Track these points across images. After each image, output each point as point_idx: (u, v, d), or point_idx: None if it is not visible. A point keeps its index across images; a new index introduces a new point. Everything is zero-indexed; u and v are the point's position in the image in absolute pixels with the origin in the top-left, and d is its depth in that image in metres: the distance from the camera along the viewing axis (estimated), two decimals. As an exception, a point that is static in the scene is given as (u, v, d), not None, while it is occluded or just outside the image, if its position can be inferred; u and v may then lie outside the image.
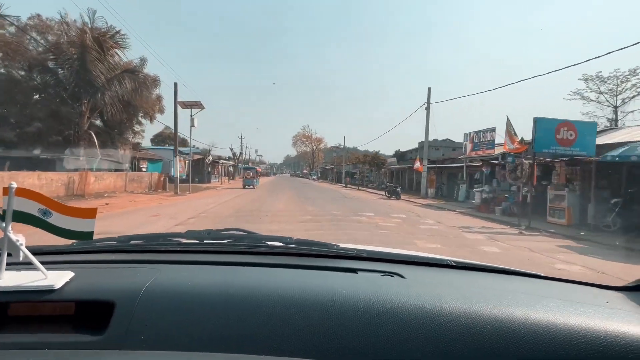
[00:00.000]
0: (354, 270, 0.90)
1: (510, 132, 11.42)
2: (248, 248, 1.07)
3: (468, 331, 0.60)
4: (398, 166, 34.16)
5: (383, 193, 24.99)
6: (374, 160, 35.53)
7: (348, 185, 38.63)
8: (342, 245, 1.10)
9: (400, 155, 41.19)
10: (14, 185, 0.67)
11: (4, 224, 0.67)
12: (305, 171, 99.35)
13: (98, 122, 19.51)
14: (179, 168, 19.56)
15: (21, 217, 0.69)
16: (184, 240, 1.10)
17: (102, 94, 15.54)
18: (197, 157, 34.10)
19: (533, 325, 0.61)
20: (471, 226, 10.37)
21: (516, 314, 0.64)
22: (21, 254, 0.68)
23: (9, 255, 0.68)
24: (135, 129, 21.11)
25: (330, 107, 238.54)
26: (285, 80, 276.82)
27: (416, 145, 58.09)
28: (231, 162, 47.69)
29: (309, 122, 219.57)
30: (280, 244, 1.08)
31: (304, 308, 0.65)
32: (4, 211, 0.67)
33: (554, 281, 0.98)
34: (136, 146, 22.29)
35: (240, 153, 50.42)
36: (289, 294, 0.69)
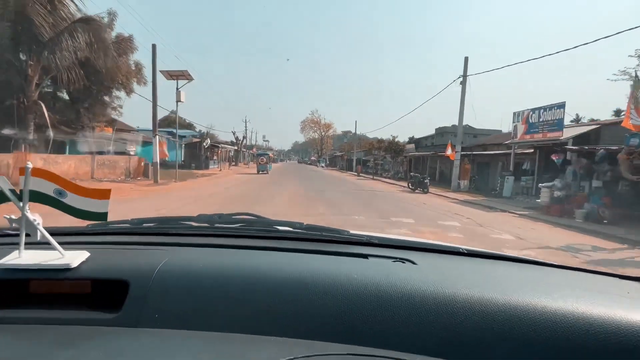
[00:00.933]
0: (364, 256, 0.89)
1: (637, 98, 7.54)
2: (258, 232, 1.08)
3: (482, 318, 0.59)
4: (421, 153, 29.96)
5: (403, 184, 21.36)
6: (391, 146, 31.32)
7: (360, 174, 34.87)
8: (352, 231, 1.09)
9: (415, 143, 37.26)
10: (30, 165, 0.68)
11: (21, 204, 0.68)
12: (313, 158, 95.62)
13: (65, 96, 16.01)
14: (160, 151, 15.95)
15: (37, 197, 0.70)
16: (195, 224, 1.10)
17: (51, 52, 11.87)
18: (195, 140, 30.71)
19: (549, 314, 0.60)
20: (572, 245, 6.68)
21: (532, 301, 0.62)
22: (39, 233, 0.70)
23: (27, 235, 0.70)
24: (111, 103, 17.46)
25: (340, 92, 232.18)
26: (295, 64, 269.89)
27: (432, 132, 53.92)
28: (233, 147, 44.41)
29: (318, 106, 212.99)
30: (291, 229, 1.08)
31: (314, 291, 0.65)
32: (21, 191, 0.68)
33: (572, 270, 0.95)
34: (111, 123, 18.67)
35: (244, 137, 46.92)
36: (299, 277, 0.69)
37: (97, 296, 0.68)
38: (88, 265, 0.71)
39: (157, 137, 15.88)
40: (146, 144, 25.60)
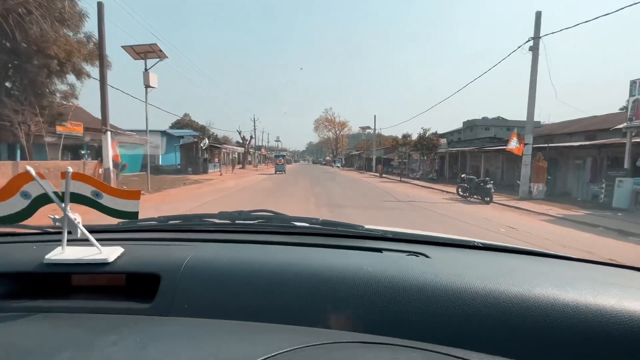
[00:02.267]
0: (379, 250, 0.91)
1: None
2: (277, 228, 1.11)
3: (494, 310, 0.61)
4: (461, 149, 24.35)
5: (442, 188, 16.29)
6: (422, 141, 25.73)
7: (383, 175, 29.78)
8: (367, 226, 1.10)
9: (440, 138, 31.96)
10: (70, 170, 0.73)
11: (63, 205, 0.73)
12: (328, 158, 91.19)
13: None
14: (112, 153, 11.53)
15: (77, 199, 0.75)
16: (217, 221, 1.15)
17: None
18: (194, 140, 26.53)
19: (562, 306, 0.60)
20: None
21: (544, 293, 0.63)
22: (79, 231, 0.75)
23: (68, 232, 0.75)
24: (55, 87, 13.21)
25: (355, 89, 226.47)
26: (310, 62, 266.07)
27: (459, 126, 48.02)
28: (240, 148, 40.57)
29: (332, 104, 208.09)
30: (307, 224, 1.11)
31: (331, 283, 0.68)
32: (63, 193, 0.73)
33: (585, 263, 0.96)
34: (57, 118, 14.41)
35: (251, 137, 41.64)
36: (316, 270, 0.72)
37: (132, 288, 0.75)
38: (123, 259, 0.76)
39: (109, 133, 11.42)
40: (129, 146, 21.86)
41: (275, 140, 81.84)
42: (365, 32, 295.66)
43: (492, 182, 12.34)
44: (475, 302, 0.62)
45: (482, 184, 12.31)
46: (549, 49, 20.30)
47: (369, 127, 39.32)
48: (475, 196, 12.56)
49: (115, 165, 12.27)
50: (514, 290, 0.64)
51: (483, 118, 45.78)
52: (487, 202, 11.89)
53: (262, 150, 45.24)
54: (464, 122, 45.97)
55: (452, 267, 0.78)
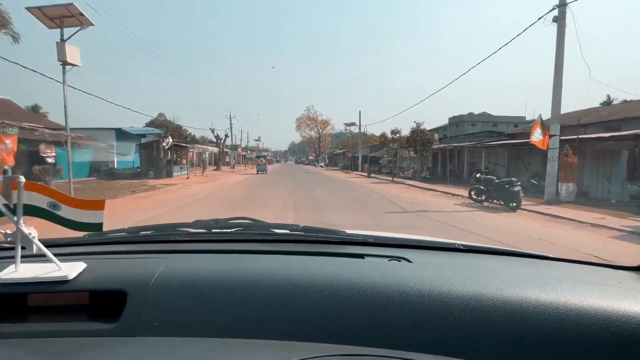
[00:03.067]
0: (361, 256, 0.89)
1: None
2: (255, 236, 1.07)
3: (477, 313, 0.60)
4: (463, 144, 21.91)
5: (442, 189, 13.84)
6: (416, 136, 23.07)
7: (372, 175, 27.09)
8: (349, 231, 1.09)
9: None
10: (23, 179, 0.68)
11: (15, 218, 0.68)
12: (310, 157, 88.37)
13: None
14: None
15: (31, 211, 0.70)
16: (192, 230, 1.10)
17: None
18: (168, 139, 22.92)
19: (542, 306, 0.60)
20: None
21: (525, 295, 0.63)
22: (34, 246, 0.70)
23: (23, 248, 0.70)
24: None
25: (337, 87, 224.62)
26: (288, 58, 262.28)
27: (444, 122, 46.26)
28: (213, 147, 36.89)
29: (315, 103, 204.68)
30: (288, 231, 1.07)
31: (311, 294, 0.65)
32: (15, 205, 0.68)
33: (564, 262, 0.95)
34: None
35: (227, 135, 37.28)
36: (296, 280, 0.69)
37: (96, 306, 0.69)
38: (85, 276, 0.71)
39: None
40: (86, 148, 18.14)
41: (255, 140, 78.18)
42: (346, 27, 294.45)
43: (519, 183, 9.79)
44: (458, 307, 0.61)
45: (506, 185, 9.75)
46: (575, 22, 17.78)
47: (353, 124, 36.63)
48: (495, 201, 10.02)
49: (109, 169, 8.96)
50: (496, 293, 0.64)
51: (469, 114, 44.23)
52: (513, 209, 9.36)
53: (239, 149, 41.39)
54: (449, 119, 44.23)
55: (434, 272, 0.75)
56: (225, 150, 37.86)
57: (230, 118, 43.76)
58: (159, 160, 21.26)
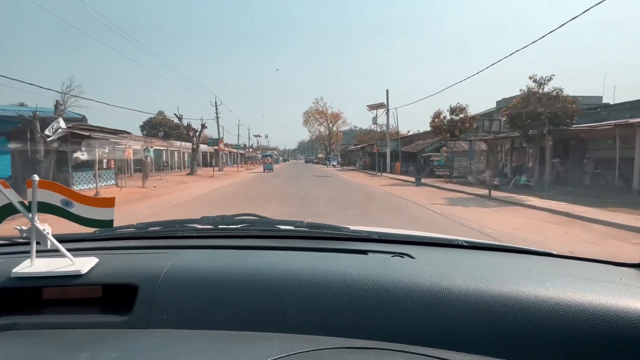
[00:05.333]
0: (364, 252, 0.90)
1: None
2: (261, 232, 1.08)
3: (477, 309, 0.61)
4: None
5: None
6: (537, 107, 11.17)
7: (421, 181, 16.75)
8: (352, 227, 1.08)
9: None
10: (37, 178, 0.70)
11: (30, 215, 0.70)
12: (320, 155, 79.02)
13: None
14: None
15: (45, 208, 0.72)
16: (199, 226, 1.11)
17: None
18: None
19: (542, 302, 0.61)
20: None
21: (525, 291, 0.64)
22: (49, 242, 0.72)
23: (37, 243, 0.73)
24: None
25: (349, 77, 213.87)
26: (295, 50, 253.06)
27: (491, 106, 36.14)
28: (177, 144, 28.32)
29: (323, 94, 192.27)
30: (292, 227, 1.08)
31: (315, 289, 0.67)
32: (30, 203, 0.70)
33: (566, 259, 0.96)
34: None
35: (204, 126, 25.73)
36: (301, 275, 0.70)
37: (108, 300, 0.70)
38: (98, 270, 0.73)
39: None
40: None
41: (255, 136, 68.91)
42: (359, 12, 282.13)
43: None
44: (459, 302, 0.62)
45: None
46: None
47: (381, 105, 26.53)
48: None
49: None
50: (497, 289, 0.64)
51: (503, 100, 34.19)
52: None
53: (220, 146, 31.07)
54: (497, 102, 34.28)
55: (436, 268, 0.76)
56: (221, 148, 28.31)
57: (215, 105, 33.93)
58: (35, 163, 10.68)
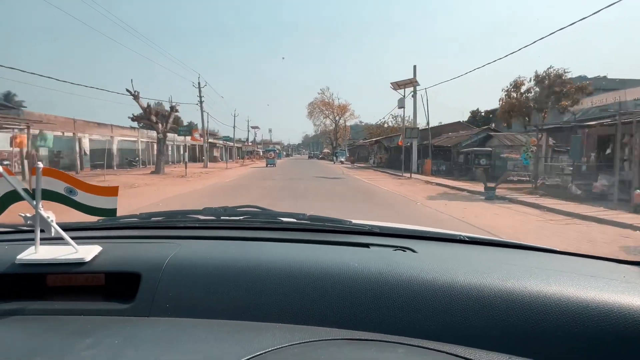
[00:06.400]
0: (366, 245, 0.90)
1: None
2: (263, 224, 1.08)
3: (479, 303, 0.61)
4: None
5: None
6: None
7: (496, 192, 9.74)
8: (355, 221, 1.07)
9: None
10: (41, 165, 0.70)
11: (34, 202, 0.70)
12: (326, 150, 73.02)
13: None
14: None
15: (49, 196, 0.73)
16: (201, 217, 1.11)
17: None
18: None
19: (545, 298, 0.61)
20: None
21: (527, 286, 0.64)
22: (52, 229, 0.72)
23: (41, 231, 0.73)
24: None
25: (353, 71, 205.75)
26: (301, 44, 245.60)
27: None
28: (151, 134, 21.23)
29: (329, 84, 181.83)
30: (294, 220, 1.08)
31: (317, 280, 0.67)
32: (34, 190, 0.70)
33: (569, 256, 0.95)
34: None
35: (174, 108, 19.51)
36: (302, 267, 0.71)
37: (111, 288, 0.71)
38: (101, 258, 0.74)
39: None
40: None
41: (253, 127, 62.48)
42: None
43: None
44: (461, 296, 0.62)
45: None
46: None
47: (410, 83, 19.71)
48: None
49: None
50: (498, 284, 0.64)
51: (579, 77, 27.98)
52: None
53: (195, 136, 25.30)
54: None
55: (438, 262, 0.76)
56: (166, 134, 19.30)
57: (199, 87, 27.28)
58: None
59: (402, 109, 21.09)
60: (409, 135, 18.72)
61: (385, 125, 43.75)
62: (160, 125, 18.41)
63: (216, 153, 41.17)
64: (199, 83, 27.68)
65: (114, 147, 21.74)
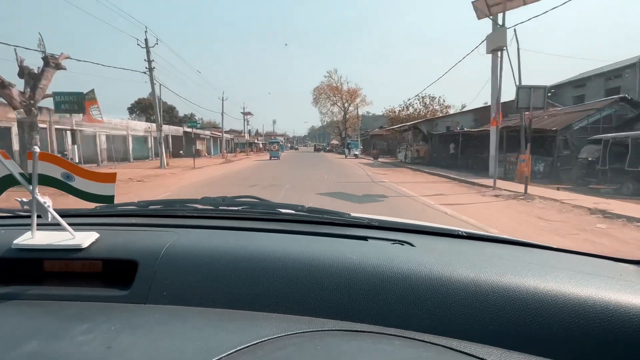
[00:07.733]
0: (364, 238, 0.90)
1: None
2: (261, 215, 1.08)
3: (475, 298, 0.61)
4: None
5: None
6: None
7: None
8: (353, 214, 1.09)
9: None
10: (37, 149, 0.70)
11: (31, 187, 0.70)
12: (333, 142, 65.09)
13: None
14: None
15: (46, 181, 0.72)
16: (200, 206, 1.12)
17: None
18: None
19: (541, 294, 0.61)
20: None
21: (524, 283, 0.64)
22: (49, 215, 0.72)
23: (38, 216, 0.72)
24: None
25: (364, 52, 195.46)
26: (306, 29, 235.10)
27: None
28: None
29: (337, 66, 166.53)
30: (293, 211, 1.08)
31: (314, 272, 0.67)
32: (30, 175, 0.70)
33: (566, 253, 0.96)
34: None
35: (47, 59, 9.79)
36: (300, 258, 0.71)
37: (108, 275, 0.71)
38: (98, 245, 0.74)
39: None
40: None
41: (244, 113, 53.55)
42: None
43: None
44: (458, 291, 0.62)
45: None
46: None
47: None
48: None
49: None
50: (496, 279, 0.65)
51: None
52: None
53: (90, 114, 12.61)
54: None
55: (436, 256, 0.77)
56: (31, 108, 10.15)
57: (146, 46, 17.24)
58: None
59: (498, 51, 11.38)
60: (524, 103, 8.47)
61: (411, 109, 35.48)
62: (19, 93, 9.93)
63: (201, 145, 33.43)
64: (145, 40, 17.23)
65: None
